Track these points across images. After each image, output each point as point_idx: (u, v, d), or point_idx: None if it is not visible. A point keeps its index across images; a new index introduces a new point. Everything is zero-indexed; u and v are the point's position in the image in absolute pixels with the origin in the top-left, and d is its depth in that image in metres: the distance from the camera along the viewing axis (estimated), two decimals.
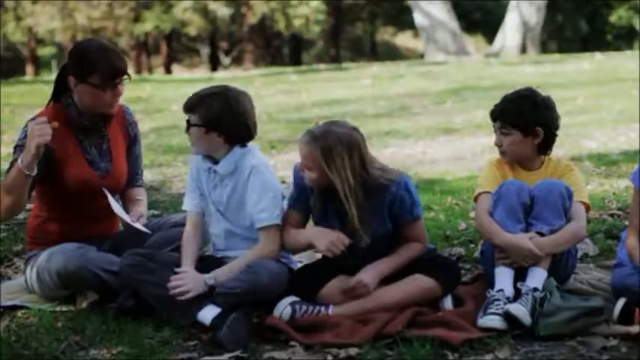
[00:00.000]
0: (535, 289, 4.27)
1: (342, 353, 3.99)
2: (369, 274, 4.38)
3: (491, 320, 4.15)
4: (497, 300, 4.22)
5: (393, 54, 36.69)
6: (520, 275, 4.37)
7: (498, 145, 4.66)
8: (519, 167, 4.70)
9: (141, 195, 5.02)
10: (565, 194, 4.45)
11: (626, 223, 4.70)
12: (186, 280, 4.32)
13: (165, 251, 4.62)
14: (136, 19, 31.33)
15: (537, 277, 4.34)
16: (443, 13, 25.61)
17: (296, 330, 4.20)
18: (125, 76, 4.68)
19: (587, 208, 4.66)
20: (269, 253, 4.47)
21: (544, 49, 31.25)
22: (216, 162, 4.55)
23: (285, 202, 4.58)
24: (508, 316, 4.14)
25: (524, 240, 4.35)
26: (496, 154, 4.76)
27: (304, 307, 4.33)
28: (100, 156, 4.80)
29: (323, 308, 4.34)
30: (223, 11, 31.55)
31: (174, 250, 4.64)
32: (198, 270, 4.41)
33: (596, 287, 4.66)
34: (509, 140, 4.63)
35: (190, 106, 4.48)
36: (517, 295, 4.28)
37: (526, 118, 4.62)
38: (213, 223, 4.63)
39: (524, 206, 4.45)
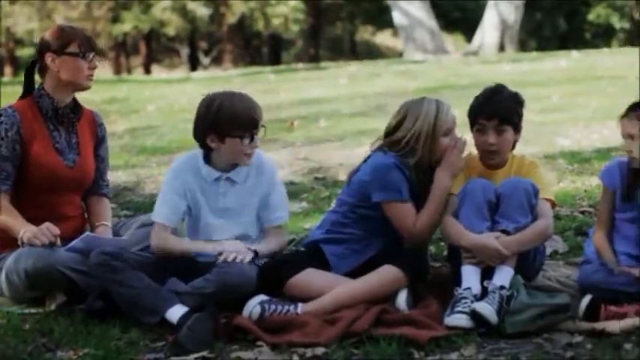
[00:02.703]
0: (502, 287, 4.28)
1: (309, 352, 4.00)
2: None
3: (458, 319, 4.16)
4: (465, 298, 4.24)
5: (372, 53, 36.71)
6: (487, 273, 4.39)
7: (493, 143, 4.61)
8: (485, 166, 4.70)
9: (105, 210, 5.02)
10: (531, 192, 4.46)
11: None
12: (231, 247, 4.44)
13: (133, 251, 4.61)
14: (115, 20, 31.24)
15: (504, 275, 4.35)
16: (422, 12, 25.62)
17: (264, 329, 4.21)
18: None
19: (553, 205, 4.67)
20: (285, 247, 4.76)
21: (523, 47, 31.29)
22: (221, 170, 4.57)
23: None
24: (475, 315, 4.15)
25: (491, 240, 4.36)
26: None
27: (273, 307, 4.33)
28: (68, 148, 4.85)
29: (292, 307, 4.35)
30: (202, 11, 31.50)
31: (142, 251, 4.63)
32: (180, 273, 4.44)
33: (564, 284, 4.68)
34: (505, 139, 4.61)
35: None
36: (484, 293, 4.29)
37: (519, 115, 4.65)
38: (217, 232, 4.62)
39: (490, 204, 4.46)
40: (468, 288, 4.29)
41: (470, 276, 4.35)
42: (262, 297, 4.37)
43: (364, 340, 4.05)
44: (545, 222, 4.50)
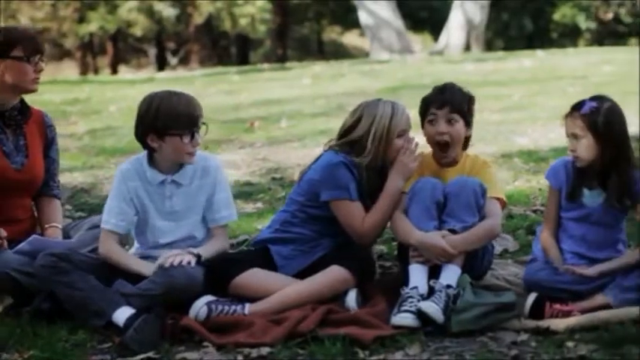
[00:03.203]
0: (448, 286, 4.30)
1: (254, 353, 4.01)
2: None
3: (405, 318, 4.18)
4: (411, 297, 4.25)
5: (340, 53, 36.70)
6: (434, 272, 4.41)
7: (444, 132, 4.63)
8: (438, 164, 4.72)
9: (56, 212, 4.98)
10: (479, 191, 4.49)
11: None
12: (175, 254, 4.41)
13: (82, 252, 4.59)
14: (81, 20, 31.06)
15: (451, 274, 4.37)
16: (388, 12, 25.65)
17: (211, 330, 4.22)
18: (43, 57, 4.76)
19: (504, 204, 4.70)
20: (227, 247, 4.71)
21: (490, 47, 31.41)
22: (166, 173, 4.55)
23: None
24: (421, 314, 4.17)
25: (437, 238, 4.38)
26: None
27: (220, 307, 4.34)
28: (16, 150, 4.81)
29: (239, 307, 4.36)
30: (169, 11, 31.37)
31: (91, 252, 4.62)
32: (129, 274, 4.44)
33: (511, 283, 4.71)
34: (456, 130, 4.64)
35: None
36: (431, 292, 4.31)
37: (470, 110, 4.69)
38: (164, 235, 4.61)
39: (438, 204, 4.48)
40: (415, 287, 4.31)
41: (417, 275, 4.37)
42: (209, 297, 4.37)
43: (309, 340, 4.06)
44: (492, 221, 4.53)
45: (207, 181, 4.60)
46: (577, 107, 4.42)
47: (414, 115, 4.74)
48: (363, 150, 4.60)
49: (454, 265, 4.40)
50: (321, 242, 4.65)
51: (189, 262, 4.37)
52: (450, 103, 4.61)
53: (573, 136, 4.40)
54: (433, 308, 4.17)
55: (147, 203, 4.58)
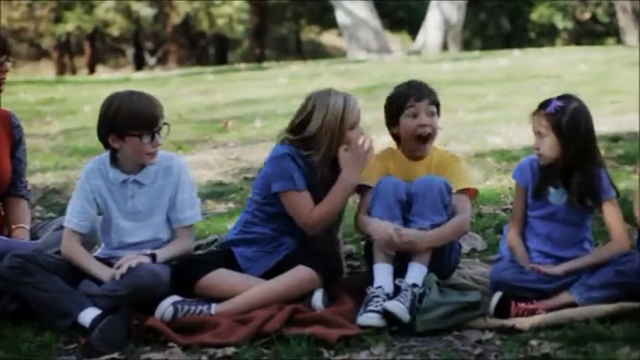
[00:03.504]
0: (414, 285, 4.31)
1: (220, 353, 4.01)
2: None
3: (370, 318, 4.18)
4: (376, 297, 4.26)
5: (319, 52, 36.71)
6: (401, 271, 4.41)
7: (426, 124, 4.62)
8: (406, 157, 4.72)
9: (23, 212, 4.97)
10: (444, 190, 4.50)
11: None
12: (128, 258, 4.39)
13: (48, 253, 4.58)
14: (57, 20, 30.92)
15: (417, 273, 4.38)
16: (365, 12, 25.66)
17: (176, 330, 4.22)
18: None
19: (475, 193, 4.74)
20: (190, 248, 4.66)
21: (468, 46, 31.47)
22: (128, 172, 4.54)
23: None
24: (386, 313, 4.17)
25: (389, 227, 4.39)
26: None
27: (186, 307, 4.34)
28: None
29: (205, 308, 4.35)
30: (146, 11, 31.28)
31: (58, 253, 4.60)
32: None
33: (478, 282, 4.72)
34: (435, 122, 4.67)
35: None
36: (397, 291, 4.31)
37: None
38: (128, 235, 4.60)
39: (401, 203, 4.49)
40: (380, 286, 4.32)
41: (382, 274, 4.38)
42: (175, 298, 4.37)
43: (274, 339, 4.06)
44: (461, 218, 4.54)
45: (170, 181, 4.58)
46: (543, 105, 4.44)
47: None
48: (317, 142, 4.58)
49: (420, 264, 4.40)
50: (283, 241, 4.64)
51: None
52: (428, 97, 4.62)
53: (538, 134, 4.42)
54: (399, 308, 4.17)
55: (110, 203, 4.56)
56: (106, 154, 4.58)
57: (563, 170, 4.43)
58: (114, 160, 4.57)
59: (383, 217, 4.45)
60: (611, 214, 4.48)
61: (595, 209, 4.51)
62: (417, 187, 4.50)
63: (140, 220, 4.58)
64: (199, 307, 4.35)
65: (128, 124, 4.42)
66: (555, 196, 4.48)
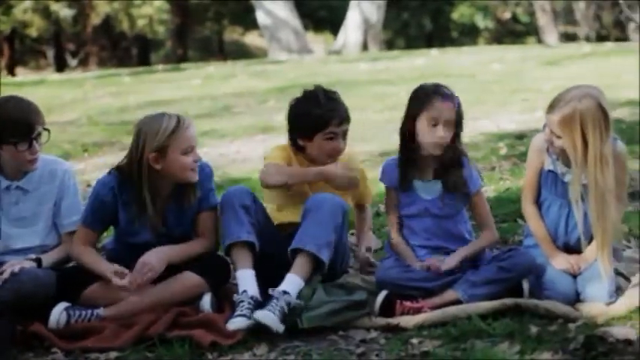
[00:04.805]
0: (285, 292, 4.24)
1: (102, 357, 4.00)
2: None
3: (239, 322, 4.17)
4: (242, 301, 4.24)
5: (242, 53, 36.61)
6: (276, 283, 4.34)
7: (343, 150, 4.69)
8: (307, 161, 4.71)
9: None
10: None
11: None
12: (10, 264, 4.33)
13: None
14: None
15: (289, 282, 4.31)
16: (285, 12, 25.68)
17: (66, 336, 4.21)
18: None
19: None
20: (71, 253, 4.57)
21: (391, 46, 31.66)
22: (12, 178, 4.47)
23: None
24: (259, 325, 4.13)
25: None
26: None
27: (77, 312, 4.33)
28: None
29: (95, 312, 4.32)
30: (65, 12, 30.92)
31: None
32: None
33: (368, 282, 4.73)
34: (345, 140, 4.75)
35: None
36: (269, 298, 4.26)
37: None
38: (15, 241, 4.54)
39: (245, 208, 4.47)
40: (244, 291, 4.29)
41: (244, 279, 4.36)
42: (65, 304, 4.34)
43: (156, 343, 4.05)
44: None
45: (53, 186, 4.54)
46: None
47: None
48: (147, 168, 4.42)
49: (296, 275, 4.34)
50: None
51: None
52: (347, 120, 4.66)
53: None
54: (269, 318, 4.13)
55: None
56: None
57: (439, 162, 4.50)
58: None
59: (231, 223, 4.45)
60: (482, 204, 4.61)
61: (467, 200, 4.59)
62: (310, 204, 4.49)
63: (26, 226, 4.53)
64: (89, 312, 4.34)
65: (3, 132, 4.35)
66: (424, 189, 4.54)
